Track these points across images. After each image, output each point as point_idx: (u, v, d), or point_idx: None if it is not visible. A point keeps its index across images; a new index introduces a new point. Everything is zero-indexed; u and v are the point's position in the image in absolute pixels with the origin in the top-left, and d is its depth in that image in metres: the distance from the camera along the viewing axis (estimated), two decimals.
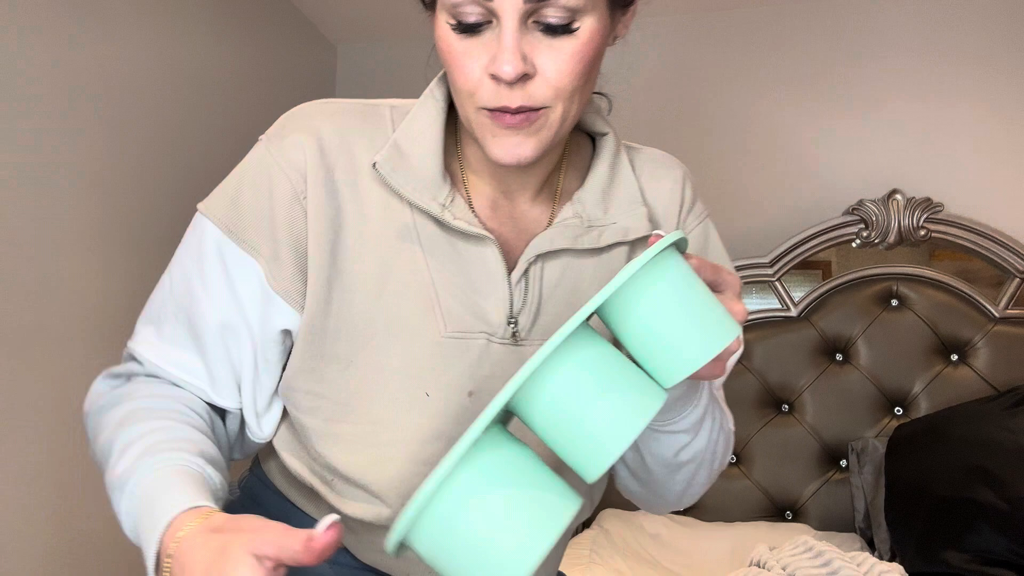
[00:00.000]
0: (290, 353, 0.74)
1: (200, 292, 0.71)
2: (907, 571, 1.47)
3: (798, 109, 2.42)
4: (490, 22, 0.62)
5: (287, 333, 0.73)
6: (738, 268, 2.30)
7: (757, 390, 2.25)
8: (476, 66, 0.63)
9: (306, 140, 0.70)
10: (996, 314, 2.12)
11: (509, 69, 0.61)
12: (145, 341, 0.73)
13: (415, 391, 0.71)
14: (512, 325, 0.72)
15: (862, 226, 2.25)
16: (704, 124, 2.49)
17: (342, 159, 0.71)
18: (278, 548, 0.48)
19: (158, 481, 0.59)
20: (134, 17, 1.88)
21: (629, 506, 2.26)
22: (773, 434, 2.22)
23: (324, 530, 0.48)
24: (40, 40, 1.62)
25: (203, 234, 0.72)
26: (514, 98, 0.63)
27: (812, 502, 2.19)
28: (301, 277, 0.71)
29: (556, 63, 0.63)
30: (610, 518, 2.15)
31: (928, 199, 2.21)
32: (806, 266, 2.35)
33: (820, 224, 2.28)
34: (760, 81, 2.45)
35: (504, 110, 0.64)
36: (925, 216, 2.21)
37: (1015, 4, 2.27)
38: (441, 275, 0.71)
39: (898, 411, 2.16)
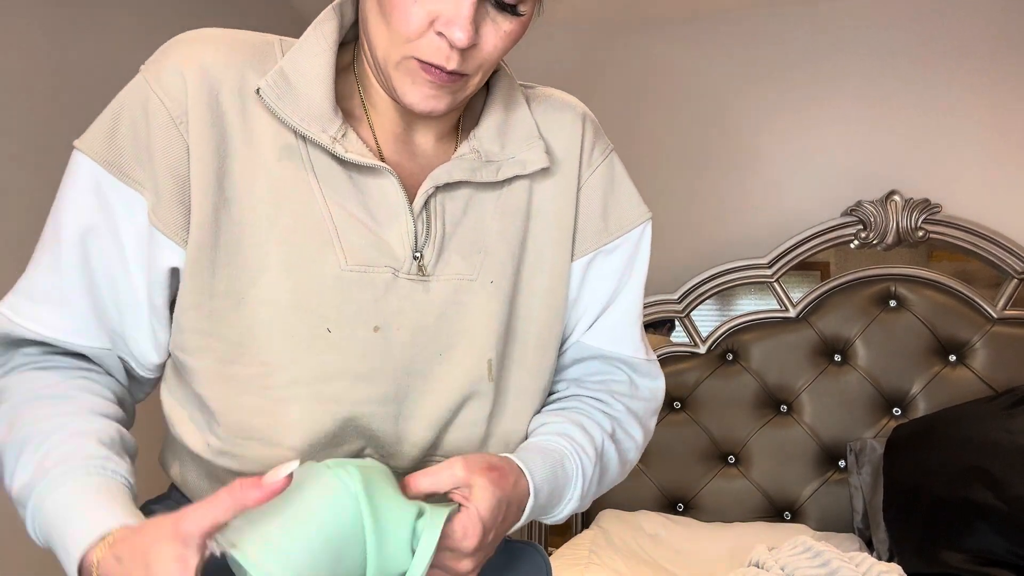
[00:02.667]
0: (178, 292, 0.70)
1: (78, 236, 0.68)
2: (906, 571, 1.47)
3: (797, 109, 2.42)
4: None
5: (174, 273, 0.69)
6: (737, 269, 2.31)
7: (756, 391, 2.25)
8: (423, 15, 0.63)
9: (186, 64, 0.68)
10: (994, 315, 2.12)
11: (463, 37, 0.63)
12: (10, 304, 0.70)
13: (315, 327, 0.68)
14: (417, 259, 0.71)
15: (860, 227, 2.25)
16: (704, 124, 2.49)
17: (229, 82, 0.69)
18: (199, 518, 0.52)
19: (59, 508, 0.59)
20: (134, 16, 1.88)
21: (628, 506, 2.26)
22: (772, 435, 2.23)
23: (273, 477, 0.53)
24: (40, 39, 1.62)
25: (79, 171, 0.68)
26: (453, 61, 0.65)
27: (811, 503, 2.19)
28: (183, 209, 0.67)
29: (494, 39, 0.66)
30: (609, 518, 2.16)
31: (926, 200, 2.21)
32: (804, 267, 2.35)
33: (818, 225, 2.28)
34: (759, 81, 2.45)
35: (440, 68, 0.65)
36: (923, 217, 2.21)
37: (1014, 5, 2.28)
38: (339, 208, 0.69)
39: (896, 412, 2.16)
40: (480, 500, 0.63)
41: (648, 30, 2.53)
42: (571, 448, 0.76)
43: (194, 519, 0.53)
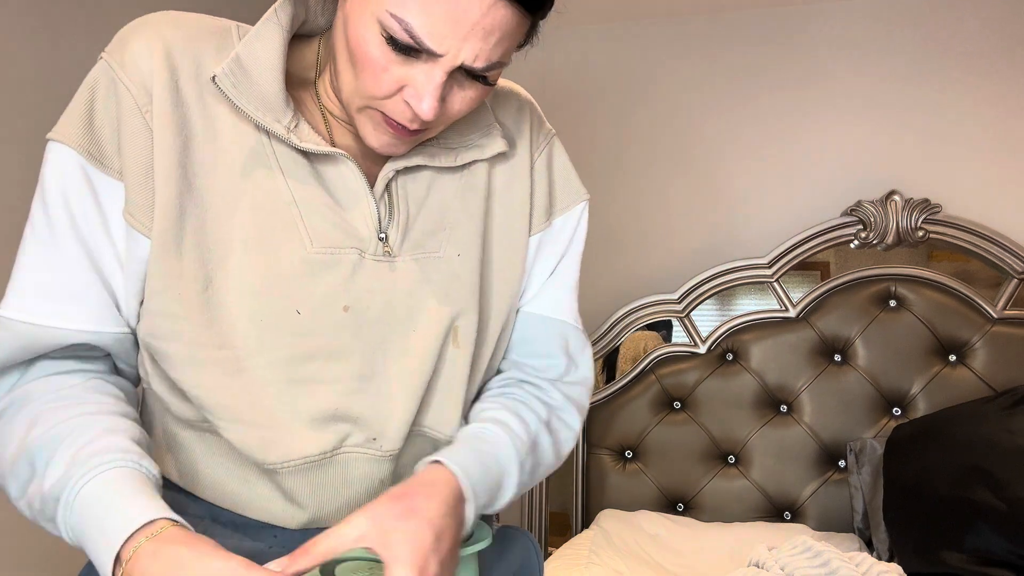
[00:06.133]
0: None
1: (73, 228, 0.67)
2: (905, 571, 1.47)
3: (797, 110, 2.43)
4: (424, 53, 0.62)
5: (141, 265, 0.69)
6: (737, 269, 2.31)
7: (756, 391, 2.25)
8: (393, 82, 0.64)
9: (149, 48, 0.68)
10: (994, 315, 2.12)
11: (428, 111, 0.64)
12: (11, 304, 0.68)
13: (284, 309, 0.69)
14: (382, 241, 0.72)
15: (860, 227, 2.25)
16: (703, 125, 2.49)
17: (188, 68, 0.69)
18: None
19: (98, 497, 0.60)
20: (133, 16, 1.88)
21: (628, 507, 2.26)
22: (772, 435, 2.23)
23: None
24: (38, 39, 1.62)
25: (64, 164, 0.67)
26: (416, 123, 0.67)
27: (811, 502, 2.19)
28: (148, 197, 0.67)
29: (460, 104, 0.67)
30: (609, 519, 2.16)
31: (926, 200, 2.21)
32: (804, 267, 2.35)
33: (818, 225, 2.28)
34: (759, 82, 2.45)
35: (403, 127, 0.67)
36: (923, 217, 2.21)
37: (1013, 5, 2.28)
38: (302, 193, 0.70)
39: (896, 412, 2.16)
40: (399, 551, 0.60)
41: (649, 28, 2.53)
42: (507, 437, 0.76)
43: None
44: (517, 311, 0.85)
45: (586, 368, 0.88)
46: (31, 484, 0.64)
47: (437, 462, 0.70)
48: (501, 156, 0.81)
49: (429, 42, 0.61)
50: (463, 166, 0.78)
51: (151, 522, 0.58)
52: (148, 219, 0.67)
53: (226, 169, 0.69)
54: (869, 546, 2.03)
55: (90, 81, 0.68)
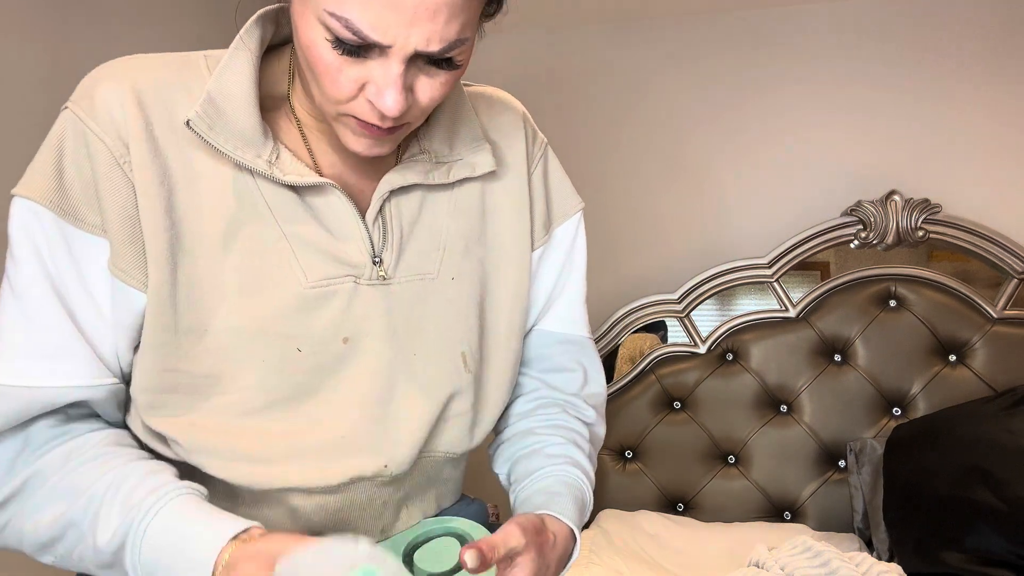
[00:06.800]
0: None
1: (50, 289, 0.64)
2: (906, 571, 1.47)
3: (797, 109, 2.42)
4: (374, 47, 0.59)
5: (136, 317, 0.67)
6: (737, 269, 2.31)
7: (756, 391, 2.25)
8: (351, 83, 0.61)
9: (119, 97, 0.64)
10: (994, 315, 2.12)
11: (393, 106, 0.60)
12: (8, 371, 0.64)
13: (285, 349, 0.67)
14: (377, 264, 0.71)
15: (860, 227, 2.25)
16: (703, 125, 2.49)
17: (160, 114, 0.66)
18: None
19: (174, 526, 0.60)
20: (134, 16, 1.88)
21: (628, 506, 2.26)
22: (772, 435, 2.23)
23: None
24: (38, 39, 1.62)
25: (34, 221, 0.64)
26: (388, 121, 0.63)
27: (811, 502, 2.19)
28: (136, 250, 0.65)
29: (432, 91, 0.63)
30: (609, 518, 2.16)
31: (926, 200, 2.21)
32: (804, 267, 2.35)
33: (818, 225, 2.28)
34: (758, 81, 2.45)
35: (376, 126, 0.63)
36: (923, 217, 2.21)
37: (1013, 5, 2.28)
38: (292, 228, 0.68)
39: (896, 412, 2.16)
40: (523, 569, 0.65)
41: (648, 28, 2.53)
42: (584, 480, 0.80)
43: None
44: (532, 329, 0.86)
45: (602, 380, 0.91)
46: (76, 548, 0.63)
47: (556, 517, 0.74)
48: (492, 174, 0.79)
49: (374, 35, 0.57)
50: (454, 184, 0.77)
51: (244, 530, 0.60)
52: (140, 273, 0.65)
53: (212, 214, 0.66)
54: (869, 546, 2.03)
55: (57, 133, 0.65)
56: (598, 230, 2.51)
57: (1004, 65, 2.28)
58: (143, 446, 0.71)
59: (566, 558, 0.73)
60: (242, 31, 0.68)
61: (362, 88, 0.61)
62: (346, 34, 0.58)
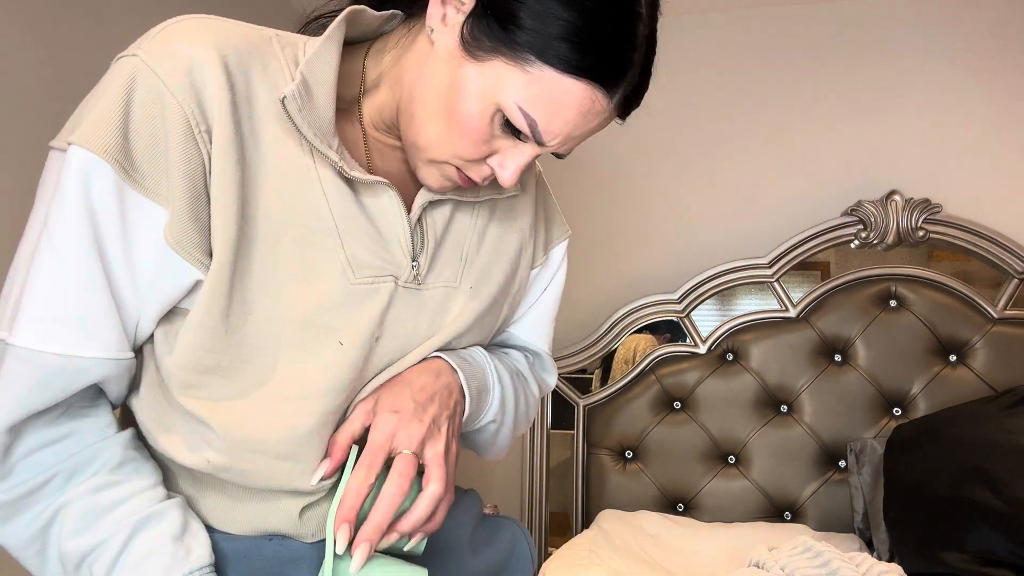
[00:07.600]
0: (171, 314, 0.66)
1: (94, 250, 0.60)
2: (906, 571, 1.47)
3: (797, 109, 2.42)
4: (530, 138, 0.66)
5: (180, 291, 0.64)
6: (737, 269, 2.31)
7: (756, 391, 2.25)
8: (486, 149, 0.67)
9: (205, 61, 0.60)
10: (995, 315, 2.12)
11: (510, 181, 0.68)
12: (30, 333, 0.60)
13: (327, 340, 0.66)
14: (415, 268, 0.73)
15: (861, 227, 2.25)
16: (703, 124, 2.49)
17: (242, 85, 0.63)
18: None
19: None
20: (134, 17, 1.88)
21: (628, 506, 2.26)
22: (772, 435, 2.23)
23: None
24: (38, 39, 1.62)
25: (93, 176, 0.59)
26: (487, 182, 0.71)
27: (811, 503, 2.19)
28: (198, 226, 0.62)
29: (517, 161, 0.69)
30: (609, 519, 2.15)
31: (927, 200, 2.21)
32: (805, 267, 2.35)
33: (819, 225, 2.28)
34: (758, 81, 2.45)
35: (473, 182, 0.70)
36: (924, 217, 2.21)
37: (1014, 5, 2.28)
38: (345, 221, 0.68)
39: (897, 412, 2.16)
40: (382, 403, 0.69)
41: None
42: (487, 356, 0.82)
43: None
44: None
45: (548, 389, 0.96)
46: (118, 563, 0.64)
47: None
48: (510, 195, 0.83)
49: (545, 137, 0.65)
50: (480, 202, 0.81)
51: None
52: (198, 251, 0.62)
53: (275, 196, 0.65)
54: (869, 546, 2.03)
55: (123, 83, 0.59)
56: (599, 230, 2.51)
57: (1005, 65, 2.28)
58: (145, 446, 0.70)
59: (443, 372, 0.74)
60: (334, 24, 0.68)
61: (488, 156, 0.68)
62: (523, 127, 0.64)
